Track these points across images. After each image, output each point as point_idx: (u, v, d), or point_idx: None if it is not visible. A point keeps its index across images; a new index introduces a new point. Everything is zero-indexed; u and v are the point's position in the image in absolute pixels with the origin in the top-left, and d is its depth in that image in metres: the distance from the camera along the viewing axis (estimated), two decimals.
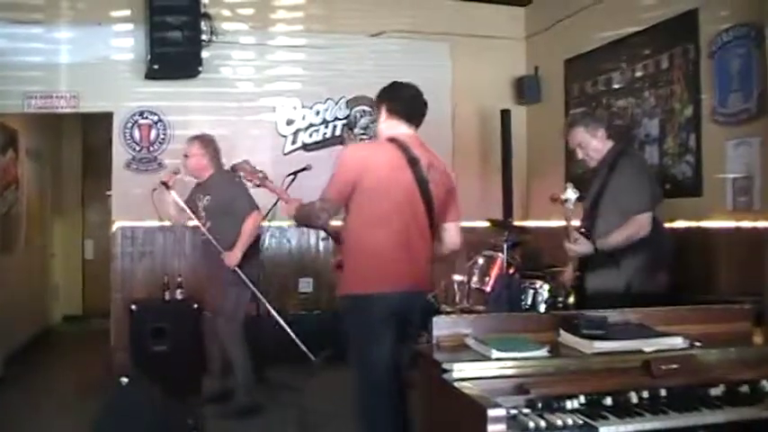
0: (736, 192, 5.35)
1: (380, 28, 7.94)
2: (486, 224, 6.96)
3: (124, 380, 4.45)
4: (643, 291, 4.34)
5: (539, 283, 5.85)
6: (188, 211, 5.78)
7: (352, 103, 7.88)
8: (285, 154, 7.66)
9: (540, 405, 2.45)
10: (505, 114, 7.84)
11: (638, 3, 6.49)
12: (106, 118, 7.35)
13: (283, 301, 7.32)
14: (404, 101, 4.01)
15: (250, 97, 7.64)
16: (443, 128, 7.91)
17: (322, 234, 5.62)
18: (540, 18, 8.16)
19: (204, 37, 7.10)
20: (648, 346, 2.77)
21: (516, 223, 7.62)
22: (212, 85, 7.40)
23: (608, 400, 2.51)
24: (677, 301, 4.10)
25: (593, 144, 4.67)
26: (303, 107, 7.79)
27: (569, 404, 2.47)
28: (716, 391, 2.63)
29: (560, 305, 5.45)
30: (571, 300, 4.84)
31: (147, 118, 7.29)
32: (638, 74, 6.46)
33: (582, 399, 2.49)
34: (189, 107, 7.37)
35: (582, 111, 6.45)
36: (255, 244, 5.92)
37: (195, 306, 6.42)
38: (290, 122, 7.75)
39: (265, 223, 6.29)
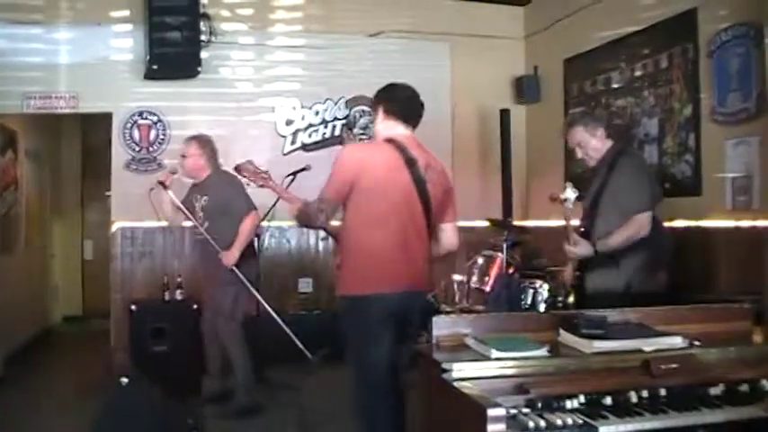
0: (735, 191, 5.35)
1: (379, 28, 7.94)
2: (486, 224, 6.97)
3: (124, 380, 4.46)
4: (643, 290, 4.34)
5: (538, 283, 5.85)
6: (184, 211, 5.78)
7: (351, 104, 7.87)
8: (284, 154, 7.66)
9: (539, 405, 2.45)
10: (505, 114, 7.84)
11: (637, 2, 6.49)
12: (105, 118, 7.34)
13: (283, 301, 7.32)
14: (400, 102, 4.02)
15: (249, 97, 7.63)
16: (443, 128, 7.92)
17: (322, 234, 5.62)
18: (539, 18, 8.16)
19: (203, 37, 7.10)
20: (648, 345, 2.77)
21: (516, 223, 7.61)
22: (211, 86, 7.40)
23: (608, 400, 2.52)
24: (677, 300, 4.10)
25: (593, 143, 4.67)
26: (302, 107, 7.79)
27: (569, 404, 2.47)
28: (715, 391, 2.63)
29: (560, 305, 5.45)
30: (571, 299, 4.84)
31: (146, 118, 7.29)
32: (638, 73, 6.46)
33: (582, 398, 2.49)
34: (188, 107, 7.37)
35: (581, 110, 6.44)
36: (252, 243, 5.95)
37: (195, 306, 6.41)
38: (289, 123, 7.75)
39: (265, 223, 6.29)
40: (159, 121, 7.30)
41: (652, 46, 6.26)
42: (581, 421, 2.39)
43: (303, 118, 7.79)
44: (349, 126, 7.87)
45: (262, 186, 4.54)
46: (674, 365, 2.64)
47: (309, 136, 7.80)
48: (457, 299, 6.54)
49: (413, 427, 3.66)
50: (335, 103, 7.87)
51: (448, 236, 4.08)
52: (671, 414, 2.49)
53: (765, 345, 3.04)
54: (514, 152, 7.88)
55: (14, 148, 8.06)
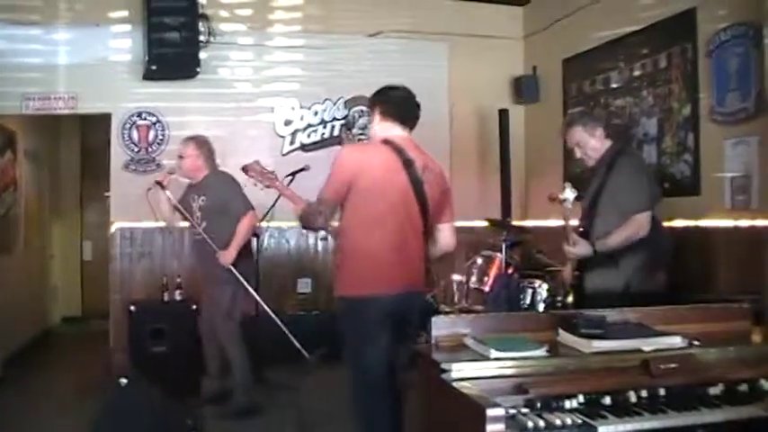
0: (734, 191, 5.35)
1: (378, 28, 7.94)
2: (485, 224, 6.97)
3: (123, 381, 4.46)
4: (642, 290, 4.34)
5: (537, 283, 5.85)
6: (182, 210, 5.79)
7: (350, 104, 7.87)
8: (283, 154, 7.66)
9: (538, 405, 2.45)
10: (504, 114, 7.84)
11: (636, 2, 6.50)
12: (104, 119, 7.34)
13: (282, 301, 7.33)
14: (396, 104, 4.04)
15: (248, 98, 7.63)
16: (441, 128, 7.92)
17: (321, 234, 5.63)
18: (538, 18, 8.16)
19: (202, 38, 7.11)
20: (647, 345, 2.77)
21: (515, 223, 7.62)
22: (210, 86, 7.40)
23: (607, 400, 2.52)
24: (676, 300, 4.10)
25: (592, 143, 4.67)
26: (301, 107, 7.79)
27: (568, 404, 2.47)
28: (715, 390, 2.63)
29: (559, 304, 5.46)
30: (570, 299, 4.85)
31: (145, 119, 7.29)
32: (637, 73, 6.47)
33: (581, 398, 2.49)
34: (187, 108, 7.37)
35: (580, 110, 6.44)
36: (249, 243, 5.97)
37: (194, 307, 6.41)
38: (288, 123, 7.75)
39: (264, 224, 6.29)
40: (158, 121, 7.30)
41: (651, 46, 6.26)
42: (580, 421, 2.39)
43: (302, 118, 7.79)
44: (348, 126, 7.87)
45: (268, 187, 4.54)
46: (673, 365, 2.64)
47: (308, 136, 7.80)
48: (456, 299, 6.54)
49: (412, 428, 3.67)
50: (334, 104, 7.87)
51: (445, 236, 4.08)
52: (670, 414, 2.49)
53: (764, 344, 3.04)
54: (513, 152, 7.88)
55: (13, 148, 8.06)
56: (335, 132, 7.86)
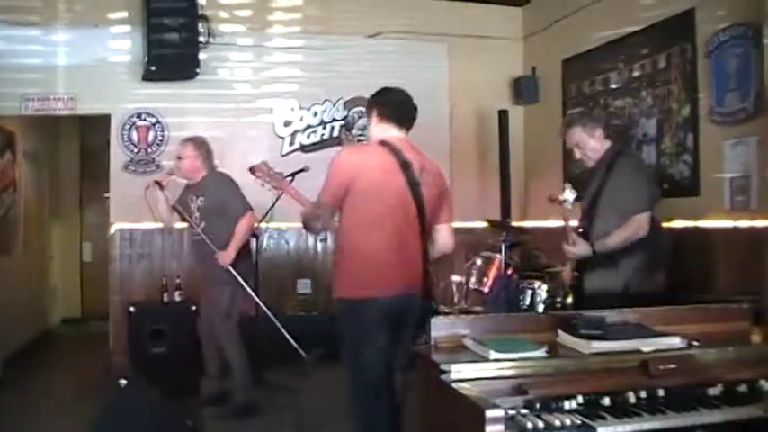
0: (733, 191, 5.35)
1: (377, 29, 7.94)
2: (484, 225, 6.97)
3: (123, 382, 4.46)
4: (641, 290, 4.34)
5: (537, 284, 5.86)
6: (180, 211, 5.80)
7: (349, 105, 7.87)
8: (283, 155, 7.66)
9: (538, 405, 2.45)
10: (503, 115, 7.84)
11: (635, 3, 6.49)
12: (104, 120, 7.34)
13: (282, 302, 7.33)
14: (393, 105, 4.04)
15: (247, 99, 7.63)
16: (441, 128, 7.92)
17: (321, 235, 5.63)
18: (537, 18, 8.16)
19: (201, 39, 7.10)
20: (646, 345, 2.77)
21: (514, 224, 7.62)
22: (210, 87, 7.40)
23: (606, 401, 2.52)
24: (675, 300, 4.10)
25: (591, 144, 4.67)
26: (301, 108, 7.79)
27: (567, 404, 2.47)
28: (714, 391, 2.64)
29: (558, 305, 5.46)
30: (569, 300, 4.84)
31: (144, 120, 7.29)
32: (636, 74, 6.47)
33: (580, 399, 2.50)
34: (186, 109, 7.37)
35: (579, 111, 6.44)
36: (248, 244, 5.97)
37: (194, 308, 6.41)
38: (287, 124, 7.76)
39: (263, 224, 6.29)
40: (158, 122, 7.30)
41: (650, 46, 6.27)
42: (579, 422, 2.40)
43: (301, 119, 7.79)
44: (347, 127, 7.87)
45: (275, 188, 4.56)
46: (672, 366, 2.64)
47: (308, 137, 7.80)
48: (456, 300, 6.54)
49: (411, 429, 3.67)
50: (334, 104, 7.87)
51: (443, 237, 4.08)
52: (669, 414, 2.49)
53: (764, 345, 3.04)
54: (513, 153, 7.88)
55: (13, 149, 8.06)
56: (335, 133, 7.86)
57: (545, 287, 5.79)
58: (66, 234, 10.89)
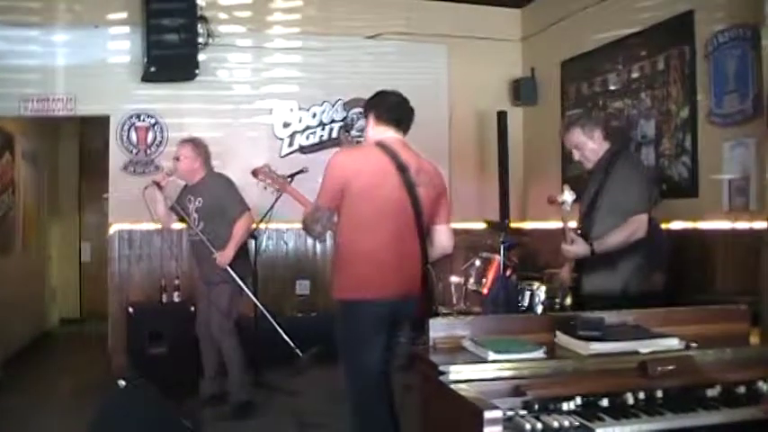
0: (732, 193, 5.36)
1: (377, 30, 7.95)
2: (483, 226, 6.98)
3: (122, 382, 4.46)
4: (640, 292, 4.34)
5: (535, 285, 5.86)
6: (178, 211, 5.80)
7: (348, 106, 7.88)
8: (282, 156, 7.66)
9: (536, 406, 2.45)
10: (502, 116, 7.85)
11: (634, 4, 6.50)
12: (103, 121, 7.34)
13: (281, 302, 7.33)
14: (390, 108, 4.06)
15: (247, 100, 7.64)
16: (440, 129, 7.94)
17: (321, 237, 5.63)
18: (536, 20, 8.18)
19: (201, 40, 7.12)
20: (644, 347, 2.77)
21: (513, 225, 7.62)
22: (209, 88, 7.41)
23: (604, 402, 2.52)
24: (674, 302, 4.11)
25: (590, 146, 4.66)
26: (300, 109, 7.80)
27: (565, 405, 2.47)
28: (712, 392, 2.63)
29: (557, 306, 5.46)
30: (568, 301, 4.85)
31: (143, 120, 7.29)
32: (635, 75, 6.48)
33: (578, 400, 2.49)
34: (186, 110, 7.38)
35: (578, 112, 6.45)
36: (246, 244, 5.99)
37: (192, 308, 6.41)
38: (286, 125, 7.76)
39: (262, 225, 6.29)
40: (157, 123, 7.31)
41: (649, 48, 6.28)
42: (577, 423, 2.39)
43: (300, 120, 7.80)
44: (346, 128, 7.88)
45: (278, 191, 4.58)
46: (670, 367, 2.64)
47: (307, 138, 7.80)
48: (454, 301, 6.55)
49: (410, 429, 3.68)
50: (333, 106, 7.88)
51: (441, 238, 4.09)
52: (667, 416, 2.49)
53: (762, 346, 3.04)
54: (512, 154, 7.89)
55: (12, 150, 8.06)
56: (334, 134, 7.87)
57: (544, 288, 5.79)
58: (65, 235, 10.89)
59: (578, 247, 4.39)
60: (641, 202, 4.38)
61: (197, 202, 5.76)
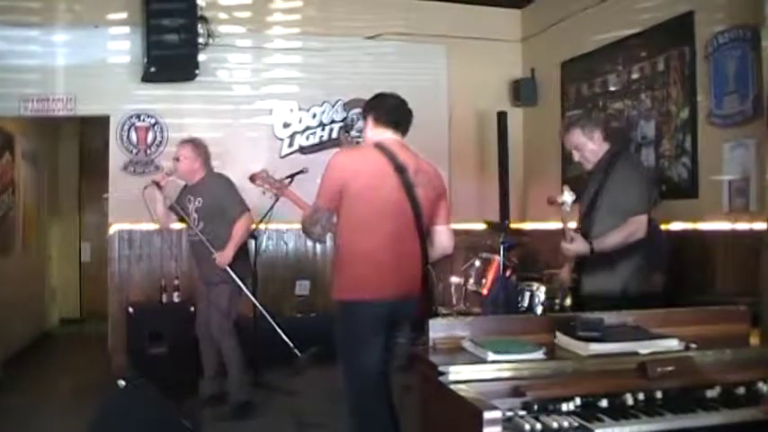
0: (732, 193, 5.36)
1: (377, 30, 7.95)
2: (483, 226, 6.98)
3: (122, 382, 4.46)
4: (639, 292, 4.34)
5: (535, 285, 5.86)
6: (178, 211, 5.80)
7: (348, 106, 7.88)
8: (282, 157, 7.67)
9: (535, 407, 2.45)
10: (502, 116, 7.85)
11: (634, 5, 6.50)
12: (103, 121, 7.34)
13: (280, 303, 7.33)
14: (388, 110, 4.08)
15: (247, 100, 7.64)
16: (440, 130, 7.94)
17: (321, 239, 5.64)
18: (536, 20, 8.18)
19: (201, 40, 7.12)
20: (644, 348, 2.77)
21: (513, 225, 7.62)
22: (209, 88, 7.41)
23: (603, 402, 2.51)
24: (673, 302, 4.11)
25: (590, 146, 4.66)
26: (300, 110, 7.80)
27: (565, 406, 2.47)
28: (712, 393, 2.63)
29: (557, 307, 5.46)
30: (568, 302, 4.84)
31: (143, 121, 7.29)
32: (635, 76, 6.48)
33: (577, 401, 2.49)
34: (186, 110, 7.38)
35: (578, 113, 6.46)
36: (246, 245, 5.99)
37: (192, 308, 6.41)
38: (286, 125, 7.76)
39: (262, 226, 6.29)
40: (157, 123, 7.31)
41: (649, 49, 6.28)
42: (576, 424, 2.39)
43: (300, 120, 7.80)
44: (346, 129, 7.88)
45: (277, 195, 4.61)
46: (670, 368, 2.64)
47: (307, 138, 7.81)
48: (454, 301, 6.55)
49: (410, 430, 3.68)
50: (333, 106, 7.88)
51: (442, 239, 4.10)
52: (667, 417, 2.49)
53: (762, 347, 3.04)
54: (511, 155, 7.89)
55: (12, 150, 8.06)
56: (334, 135, 7.87)
57: (543, 289, 5.79)
58: (65, 235, 10.89)
59: (578, 246, 4.38)
60: (641, 202, 4.38)
61: (197, 203, 5.76)
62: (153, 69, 6.83)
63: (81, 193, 11.03)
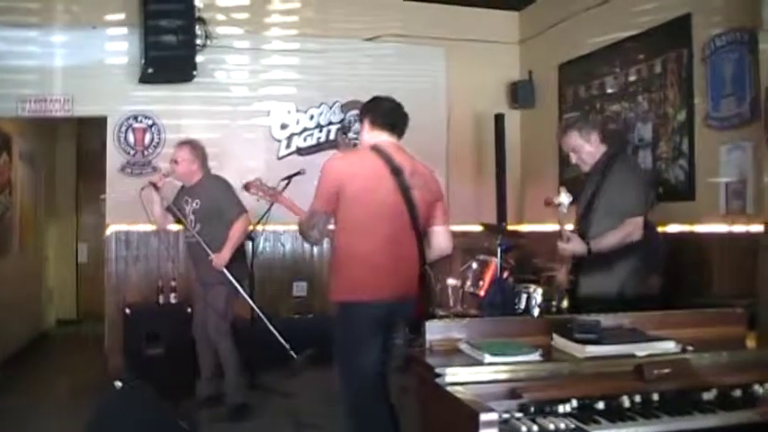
0: (729, 196, 5.36)
1: (375, 32, 7.95)
2: (480, 228, 6.98)
3: (118, 383, 4.46)
4: (636, 295, 4.34)
5: (532, 287, 5.85)
6: (175, 212, 5.80)
7: (346, 108, 7.88)
8: (279, 158, 7.66)
9: (532, 409, 2.45)
10: (499, 119, 7.85)
11: (632, 8, 6.50)
12: (100, 122, 7.33)
13: (277, 304, 7.33)
14: (384, 113, 4.11)
15: (244, 101, 7.64)
16: (438, 132, 7.94)
17: (319, 243, 5.67)
18: (533, 22, 8.18)
19: (199, 41, 7.12)
20: (641, 350, 2.77)
21: (510, 227, 7.62)
22: (207, 90, 7.41)
23: (600, 405, 2.52)
24: (670, 305, 4.11)
25: (587, 149, 4.67)
26: (297, 111, 7.80)
27: (561, 408, 2.47)
28: (708, 396, 2.63)
29: (554, 309, 5.45)
30: (565, 304, 4.84)
31: (141, 122, 7.29)
32: (632, 78, 6.48)
33: (574, 403, 2.49)
34: (183, 111, 7.38)
35: (576, 115, 6.45)
36: (243, 246, 5.99)
37: (189, 310, 6.40)
38: (284, 127, 7.76)
39: (260, 227, 6.29)
40: (154, 124, 7.30)
41: (646, 51, 6.28)
42: (573, 426, 2.39)
43: (298, 122, 7.80)
44: (344, 130, 7.88)
45: (272, 203, 4.63)
46: (666, 370, 2.64)
47: (304, 140, 7.80)
48: (451, 303, 6.55)
49: (407, 431, 3.69)
50: (330, 108, 7.88)
51: (439, 239, 4.11)
52: (663, 419, 2.49)
53: (758, 349, 3.04)
54: (509, 157, 7.88)
55: (9, 151, 8.05)
56: (331, 136, 7.87)
57: (540, 291, 5.78)
58: (62, 235, 10.88)
59: (575, 246, 4.39)
60: (637, 204, 4.38)
61: (194, 204, 5.76)
62: (150, 70, 6.83)
63: (78, 193, 11.03)
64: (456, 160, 8.03)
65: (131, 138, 7.28)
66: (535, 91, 8.15)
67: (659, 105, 6.12)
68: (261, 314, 5.80)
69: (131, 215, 6.64)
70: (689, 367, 2.73)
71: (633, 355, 2.74)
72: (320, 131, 7.84)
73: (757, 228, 4.93)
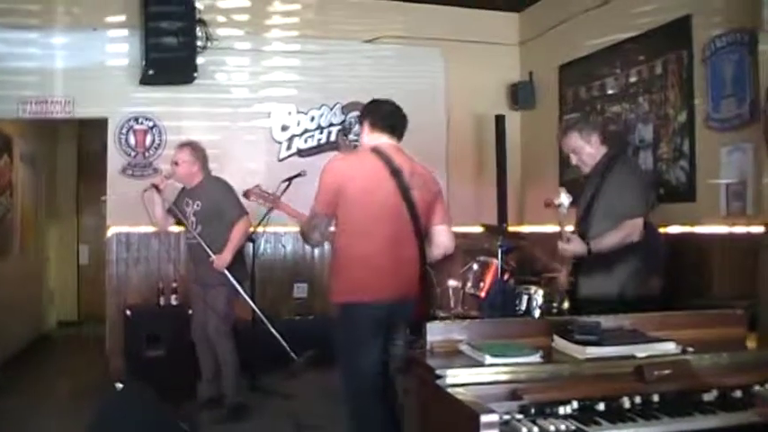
0: (729, 197, 5.36)
1: (375, 34, 7.95)
2: (481, 229, 6.98)
3: (119, 385, 4.46)
4: (636, 296, 4.34)
5: (533, 289, 5.85)
6: (176, 213, 5.81)
7: (346, 109, 7.88)
8: (280, 160, 7.66)
9: (532, 410, 2.45)
10: (500, 120, 7.85)
11: (632, 9, 6.50)
12: (101, 123, 7.33)
13: (278, 306, 7.33)
14: (384, 115, 4.14)
15: (245, 103, 7.64)
16: (438, 133, 7.93)
17: (320, 245, 5.69)
18: (534, 24, 8.18)
19: (199, 43, 7.12)
20: (641, 351, 2.77)
21: (511, 228, 7.62)
22: (207, 91, 7.40)
23: (600, 406, 2.52)
24: (670, 306, 4.11)
25: (587, 150, 4.67)
26: (298, 113, 7.80)
27: (562, 410, 2.47)
28: (709, 397, 2.63)
29: (555, 310, 5.46)
30: (565, 305, 4.85)
31: (142, 123, 7.29)
32: (632, 79, 6.48)
33: (574, 404, 2.50)
34: (184, 113, 7.38)
35: (576, 116, 6.45)
36: (243, 248, 6.00)
37: (190, 311, 6.40)
38: (284, 128, 7.76)
39: (260, 229, 6.30)
40: (155, 126, 7.30)
41: (647, 52, 6.28)
42: (573, 427, 2.39)
43: (299, 123, 7.80)
44: (344, 132, 7.88)
45: (271, 209, 4.65)
46: (667, 371, 2.64)
47: (305, 141, 7.80)
48: (452, 304, 6.55)
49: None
50: (331, 109, 7.88)
51: (441, 239, 4.13)
52: (664, 420, 2.49)
53: (759, 350, 3.05)
54: (509, 158, 7.89)
55: (10, 152, 8.05)
56: (332, 138, 7.87)
57: (541, 292, 5.79)
58: (62, 237, 10.88)
59: (575, 246, 4.39)
60: (637, 206, 4.39)
61: (195, 206, 5.77)
62: (151, 72, 6.83)
63: (79, 195, 11.03)
64: (456, 161, 8.03)
65: (132, 139, 7.28)
66: (535, 92, 8.15)
67: (660, 106, 6.13)
68: (261, 316, 5.80)
69: (132, 217, 6.65)
70: (689, 368, 2.73)
71: (633, 357, 2.74)
72: (321, 133, 7.85)
73: (757, 229, 4.93)
